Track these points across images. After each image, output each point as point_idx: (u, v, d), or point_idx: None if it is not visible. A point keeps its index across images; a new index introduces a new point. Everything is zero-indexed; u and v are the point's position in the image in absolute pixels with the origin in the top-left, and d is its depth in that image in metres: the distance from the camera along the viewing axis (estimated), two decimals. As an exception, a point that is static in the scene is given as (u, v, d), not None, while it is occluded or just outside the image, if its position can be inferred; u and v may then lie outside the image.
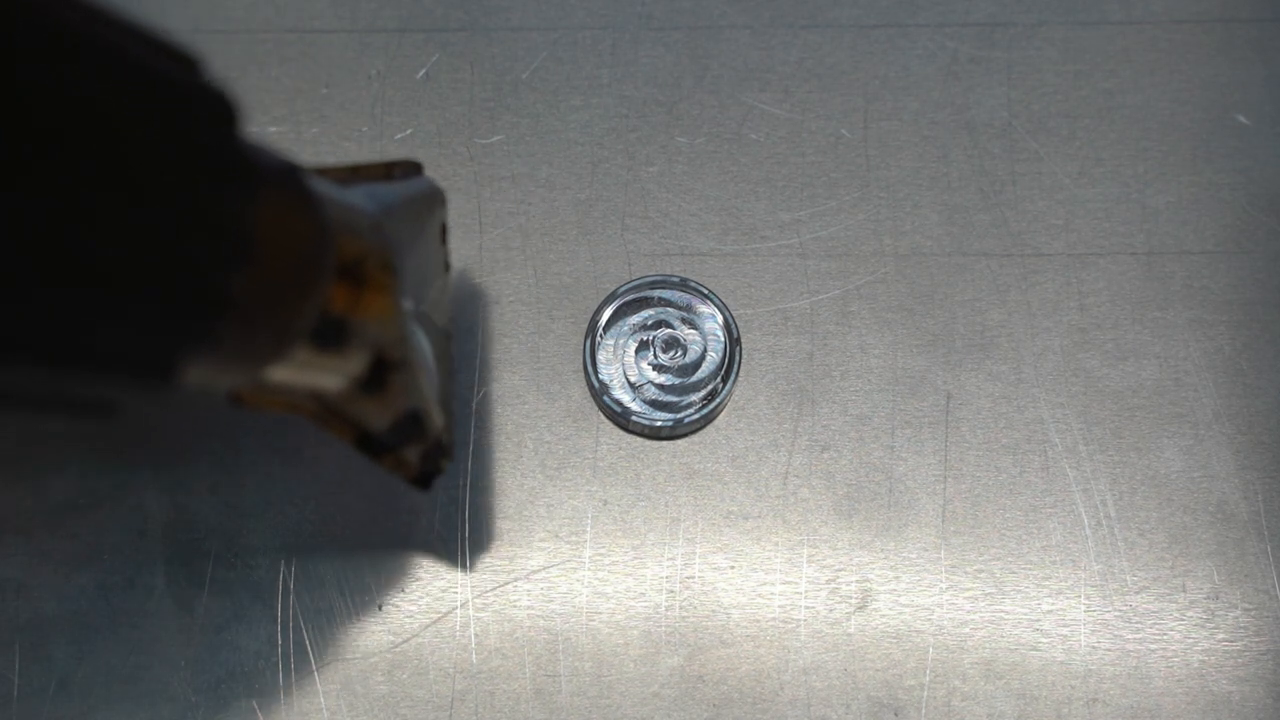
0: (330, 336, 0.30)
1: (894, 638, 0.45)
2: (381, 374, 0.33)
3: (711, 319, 0.47)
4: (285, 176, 0.27)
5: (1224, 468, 0.47)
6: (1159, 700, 0.45)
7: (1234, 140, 0.50)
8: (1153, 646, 0.45)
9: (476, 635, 0.45)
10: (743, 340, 0.47)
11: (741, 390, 0.47)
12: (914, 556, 0.46)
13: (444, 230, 0.42)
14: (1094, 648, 0.45)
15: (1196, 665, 0.45)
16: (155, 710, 0.45)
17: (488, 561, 0.46)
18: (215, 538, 0.46)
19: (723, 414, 0.47)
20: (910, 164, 0.50)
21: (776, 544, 0.46)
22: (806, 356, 0.48)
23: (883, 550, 0.46)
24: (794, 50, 0.51)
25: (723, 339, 0.47)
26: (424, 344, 0.37)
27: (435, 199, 0.40)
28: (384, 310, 0.31)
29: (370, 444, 0.36)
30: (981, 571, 0.46)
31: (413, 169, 0.38)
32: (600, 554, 0.46)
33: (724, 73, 0.51)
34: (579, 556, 0.46)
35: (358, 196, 0.32)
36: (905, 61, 0.51)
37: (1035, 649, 0.45)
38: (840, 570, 0.46)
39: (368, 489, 0.46)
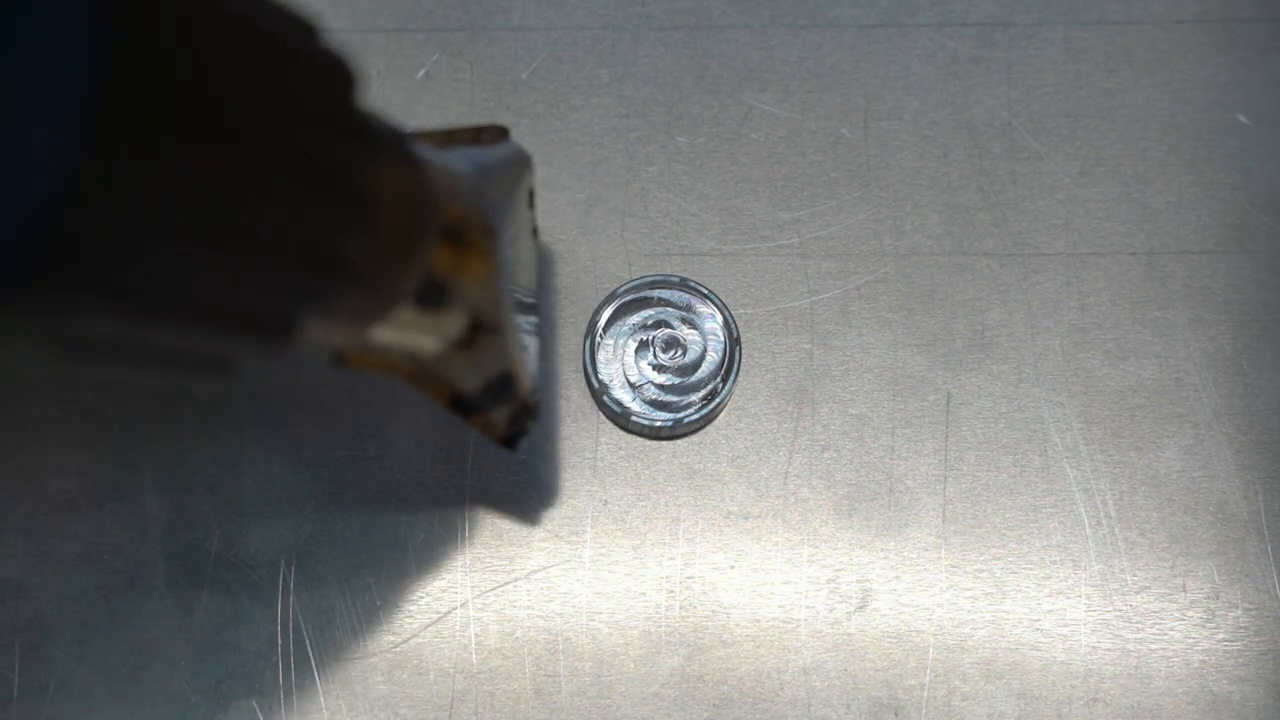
0: (433, 298, 0.31)
1: (894, 638, 0.45)
2: (476, 336, 0.34)
3: (711, 319, 0.47)
4: (398, 142, 0.28)
5: (1224, 468, 0.47)
6: (1159, 700, 0.45)
7: (1234, 140, 0.50)
8: (1153, 646, 0.45)
9: (476, 635, 0.45)
10: (742, 340, 0.47)
11: (741, 390, 0.47)
12: (914, 556, 0.46)
13: (531, 195, 0.43)
14: (1094, 648, 0.45)
15: (1197, 665, 0.45)
16: (155, 710, 0.45)
17: (488, 561, 0.46)
18: (215, 538, 0.46)
19: (723, 414, 0.47)
20: (910, 164, 0.50)
21: (776, 544, 0.46)
22: (806, 356, 0.48)
23: (883, 550, 0.46)
24: (794, 50, 0.51)
25: (722, 339, 0.47)
26: (514, 307, 0.38)
27: (524, 164, 0.41)
28: (484, 273, 0.32)
29: (461, 404, 0.38)
30: (982, 571, 0.46)
31: (500, 134, 0.39)
32: (600, 554, 0.46)
33: (724, 73, 0.51)
34: (579, 556, 0.46)
35: (457, 161, 0.33)
36: (905, 61, 0.51)
37: (1035, 649, 0.45)
38: (840, 570, 0.46)
39: (368, 489, 0.46)
